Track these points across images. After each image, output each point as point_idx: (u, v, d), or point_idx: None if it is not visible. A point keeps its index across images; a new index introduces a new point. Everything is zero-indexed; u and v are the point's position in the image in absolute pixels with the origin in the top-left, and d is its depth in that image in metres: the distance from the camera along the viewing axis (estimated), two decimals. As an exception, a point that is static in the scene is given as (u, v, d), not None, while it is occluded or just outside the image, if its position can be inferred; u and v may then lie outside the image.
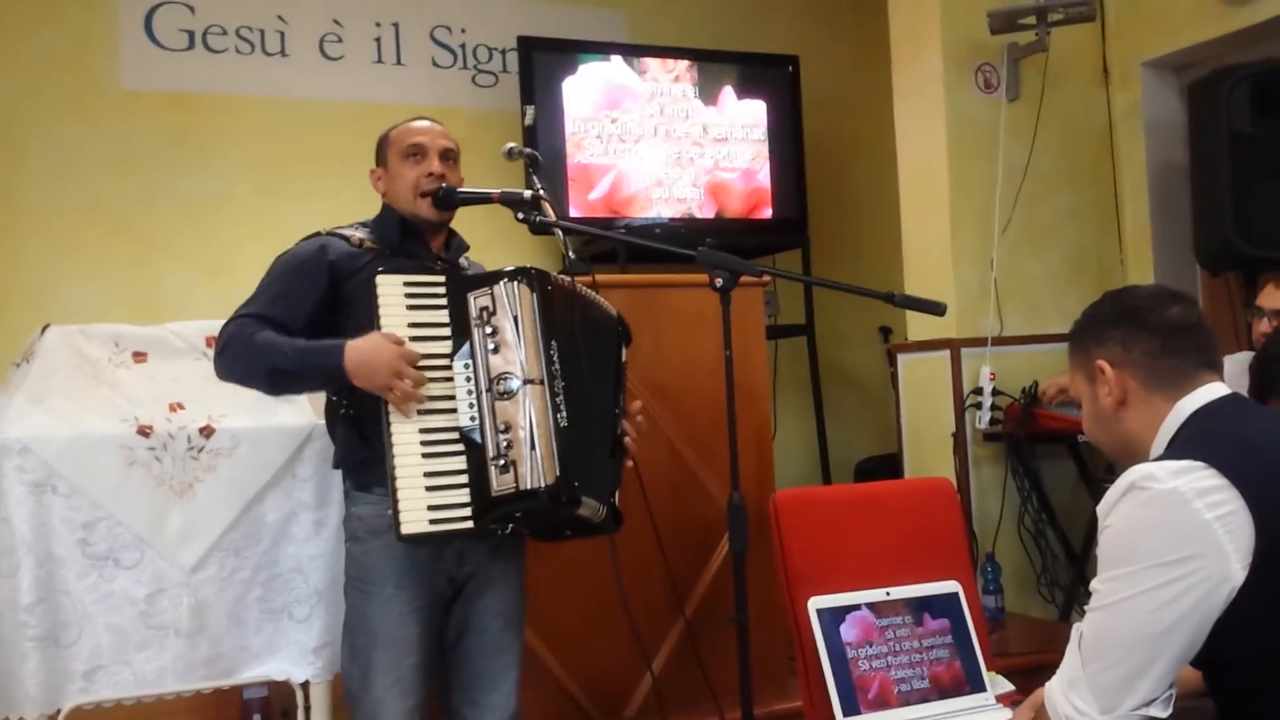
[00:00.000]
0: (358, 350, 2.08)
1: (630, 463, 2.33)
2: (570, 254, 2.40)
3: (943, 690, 2.38)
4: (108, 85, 4.28)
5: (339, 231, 2.34)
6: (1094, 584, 1.53)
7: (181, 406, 2.52)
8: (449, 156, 2.37)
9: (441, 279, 2.18)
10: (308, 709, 2.63)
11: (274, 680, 2.59)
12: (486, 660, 2.30)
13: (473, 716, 2.31)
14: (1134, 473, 1.48)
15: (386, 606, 2.19)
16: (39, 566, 2.34)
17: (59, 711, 2.38)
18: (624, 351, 2.41)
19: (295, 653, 2.55)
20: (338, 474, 2.43)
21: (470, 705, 2.31)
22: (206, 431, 2.51)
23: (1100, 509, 1.53)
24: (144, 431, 2.46)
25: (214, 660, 2.50)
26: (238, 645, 2.52)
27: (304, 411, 2.58)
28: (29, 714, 2.32)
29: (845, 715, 2.27)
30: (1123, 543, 1.49)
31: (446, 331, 2.13)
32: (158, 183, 4.31)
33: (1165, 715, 1.48)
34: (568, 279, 2.27)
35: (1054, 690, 1.57)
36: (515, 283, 2.13)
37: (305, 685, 2.60)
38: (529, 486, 2.03)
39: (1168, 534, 1.43)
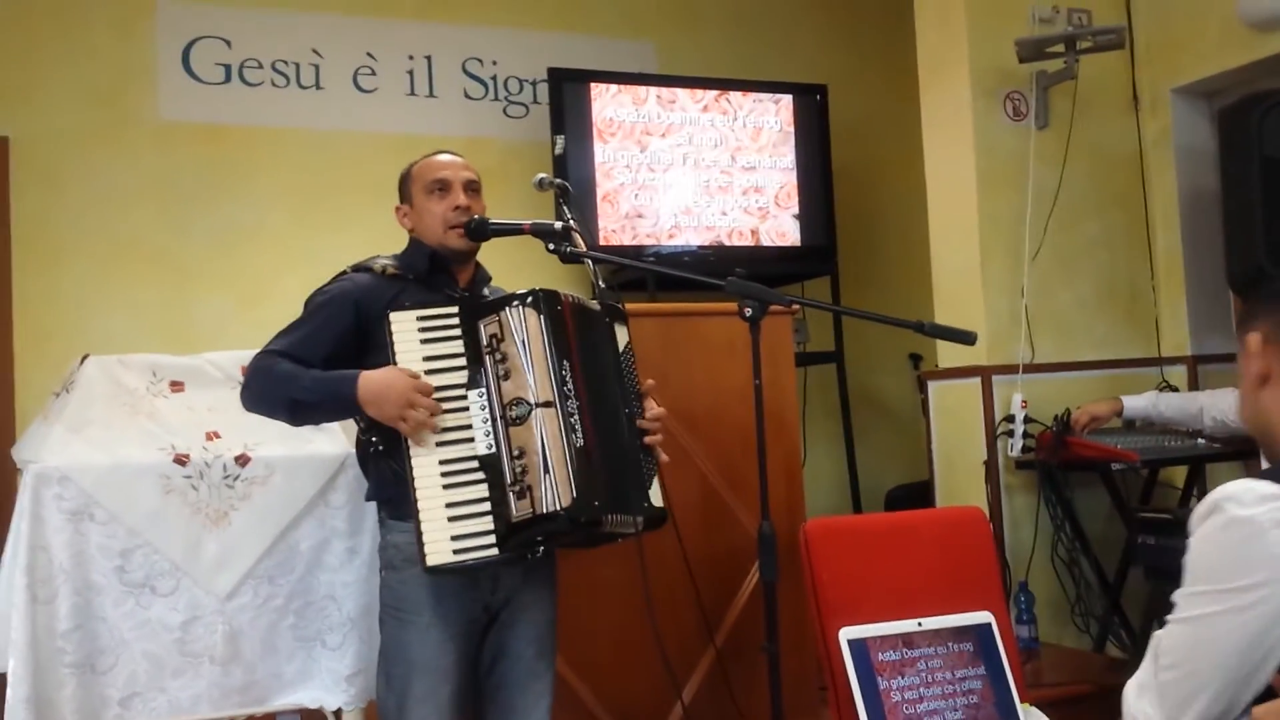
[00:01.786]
0: (371, 381, 2.12)
1: (665, 456, 2.32)
2: (600, 283, 2.42)
3: (976, 721, 2.36)
4: (145, 117, 4.36)
5: (364, 265, 2.37)
6: (1175, 595, 1.53)
7: (218, 435, 2.56)
8: (472, 188, 2.39)
9: (454, 309, 2.20)
10: (340, 736, 2.64)
11: (307, 708, 2.60)
12: (520, 688, 2.31)
13: (506, 743, 2.31)
14: (1221, 491, 1.49)
15: (424, 635, 2.20)
16: (76, 594, 2.37)
17: (95, 738, 2.40)
18: (622, 332, 2.38)
19: (328, 680, 2.56)
20: (371, 502, 2.46)
21: (504, 733, 2.31)
22: (242, 460, 2.53)
23: (1191, 521, 1.53)
24: (181, 460, 2.49)
25: (248, 688, 2.51)
26: (271, 673, 2.53)
27: (338, 440, 2.60)
28: (66, 740, 2.35)
29: (877, 746, 2.26)
30: (1201, 561, 1.50)
31: (462, 362, 2.16)
32: (194, 213, 4.38)
33: None
34: (574, 296, 2.28)
35: (1129, 691, 1.57)
36: (521, 307, 2.15)
37: (338, 713, 2.61)
38: (545, 510, 2.05)
39: (1240, 560, 1.44)
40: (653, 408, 2.34)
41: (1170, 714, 1.49)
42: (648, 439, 2.29)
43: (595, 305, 2.33)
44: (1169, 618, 1.54)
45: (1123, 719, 1.57)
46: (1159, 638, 1.55)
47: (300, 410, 2.22)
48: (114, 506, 2.42)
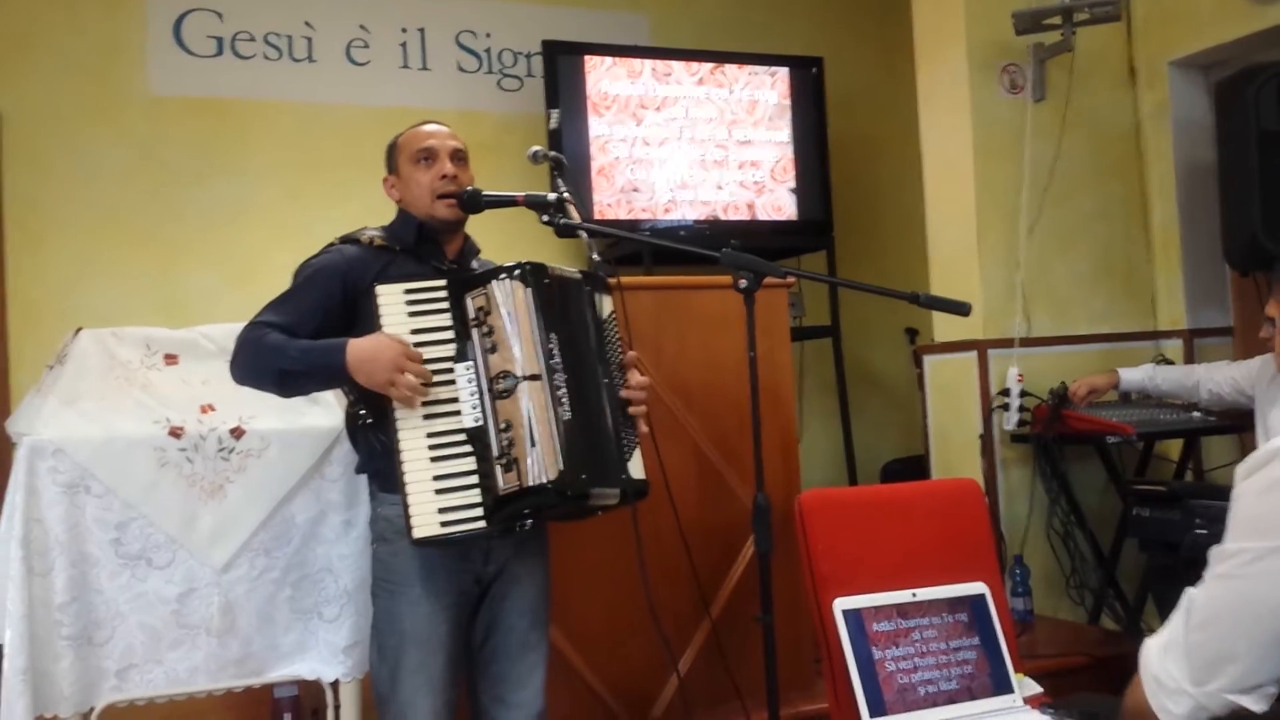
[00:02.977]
0: (359, 348, 2.11)
1: (645, 428, 2.31)
2: (595, 256, 2.41)
3: (970, 692, 2.37)
4: (136, 91, 4.33)
5: (351, 236, 2.36)
6: (1214, 550, 1.44)
7: (212, 408, 2.55)
8: (459, 157, 2.37)
9: (442, 282, 2.19)
10: (337, 708, 2.64)
11: (304, 679, 2.61)
12: (513, 659, 2.31)
13: (500, 715, 2.32)
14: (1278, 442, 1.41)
15: (415, 606, 2.21)
16: (73, 566, 2.37)
17: (92, 710, 2.41)
18: (605, 300, 2.35)
19: (325, 652, 2.57)
20: (363, 475, 2.45)
21: (498, 703, 2.32)
22: (237, 433, 2.53)
23: (1240, 469, 1.45)
24: (175, 433, 2.49)
25: (245, 659, 2.52)
26: (268, 645, 2.54)
27: (333, 413, 2.60)
28: (63, 712, 2.35)
29: (872, 716, 2.26)
30: (1250, 514, 1.41)
31: (450, 335, 2.15)
32: (185, 188, 4.36)
33: (1259, 710, 1.41)
34: (560, 268, 2.27)
35: (1150, 650, 1.50)
36: (508, 280, 2.15)
37: (335, 684, 2.61)
38: (532, 483, 2.05)
39: None
40: (637, 377, 2.33)
41: (1197, 677, 1.41)
42: (631, 409, 2.28)
43: (577, 274, 2.31)
44: (1206, 573, 1.45)
45: (1140, 679, 1.50)
46: (1192, 595, 1.46)
47: (289, 380, 2.20)
48: (109, 479, 2.42)
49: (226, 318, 2.81)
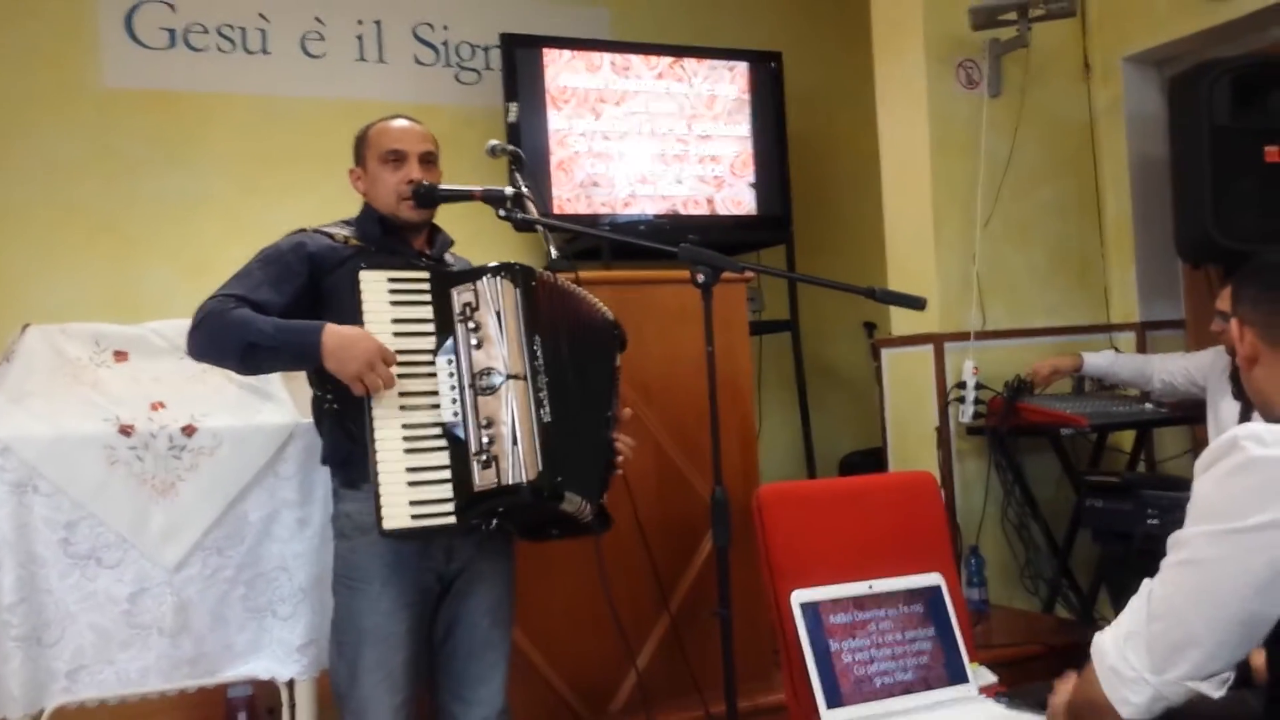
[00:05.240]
0: (338, 333, 2.07)
1: (620, 471, 2.33)
2: (553, 251, 2.41)
3: (926, 682, 2.39)
4: (88, 84, 4.26)
5: (323, 229, 2.34)
6: (1174, 537, 1.47)
7: (163, 405, 2.51)
8: (429, 159, 2.36)
9: (426, 274, 2.17)
10: (293, 707, 2.62)
11: (258, 679, 2.58)
12: (474, 656, 2.30)
13: (461, 712, 2.31)
14: (1240, 430, 1.43)
15: (374, 603, 2.19)
16: (21, 566, 2.33)
17: (42, 711, 2.37)
18: (618, 357, 2.40)
19: (280, 651, 2.54)
20: (321, 472, 2.43)
21: (458, 701, 2.31)
22: (188, 430, 2.50)
23: (1200, 461, 1.48)
24: (125, 431, 2.45)
25: (198, 659, 2.48)
26: (221, 644, 2.51)
27: (286, 410, 2.57)
28: (12, 714, 2.31)
29: (829, 707, 2.28)
30: (1210, 501, 1.44)
31: (431, 327, 2.13)
32: (139, 181, 4.30)
33: (1216, 695, 1.44)
34: (556, 276, 2.27)
35: (1105, 641, 1.52)
36: (499, 278, 2.13)
37: (290, 683, 2.59)
38: (511, 481, 2.03)
39: (1257, 499, 1.38)
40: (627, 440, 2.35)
41: (1157, 665, 1.43)
42: (617, 444, 2.30)
43: (610, 317, 2.38)
44: (1164, 562, 1.48)
45: (1093, 671, 1.52)
46: (1151, 585, 1.49)
47: (255, 356, 2.14)
48: (58, 478, 2.37)
49: (181, 312, 2.76)
